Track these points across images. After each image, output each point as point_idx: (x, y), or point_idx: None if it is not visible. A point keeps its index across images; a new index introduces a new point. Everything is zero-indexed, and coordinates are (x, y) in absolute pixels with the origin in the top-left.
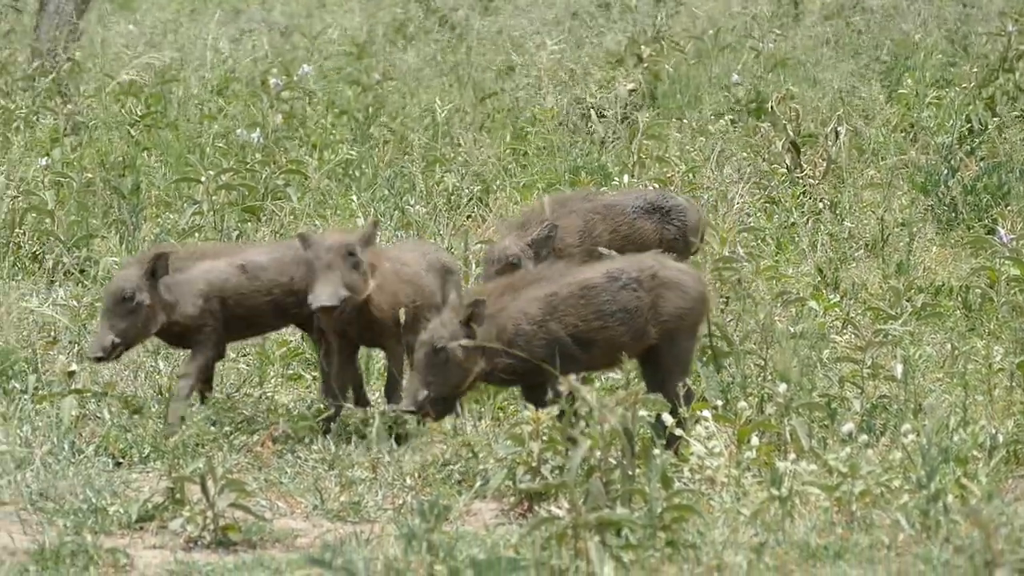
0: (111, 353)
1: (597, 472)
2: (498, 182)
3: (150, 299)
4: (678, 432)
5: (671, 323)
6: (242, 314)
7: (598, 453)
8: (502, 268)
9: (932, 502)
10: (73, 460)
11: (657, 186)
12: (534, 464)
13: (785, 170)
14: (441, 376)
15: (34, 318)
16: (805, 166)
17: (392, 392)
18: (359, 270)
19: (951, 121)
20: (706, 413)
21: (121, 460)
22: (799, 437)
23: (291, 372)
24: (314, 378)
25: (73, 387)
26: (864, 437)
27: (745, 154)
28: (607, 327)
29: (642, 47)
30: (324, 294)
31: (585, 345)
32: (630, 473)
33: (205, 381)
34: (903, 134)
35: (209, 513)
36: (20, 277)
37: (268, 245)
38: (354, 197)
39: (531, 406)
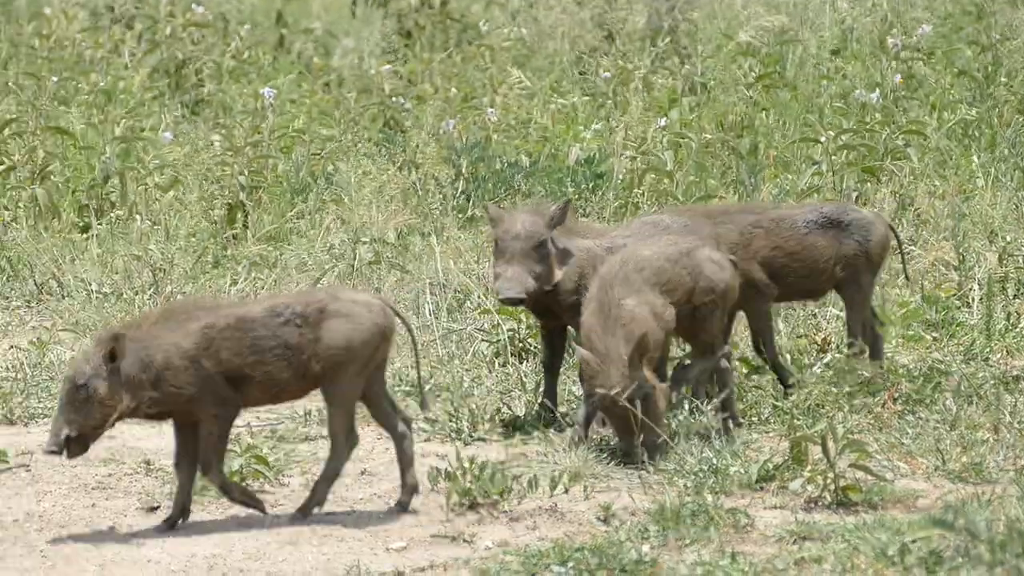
0: None
1: None
2: None
3: None
4: None
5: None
6: None
7: None
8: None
9: None
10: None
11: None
12: None
13: None
14: (82, 414)
15: None
16: None
17: None
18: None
19: None
20: None
21: (741, 421)
22: None
23: (911, 333)
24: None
25: None
26: None
27: None
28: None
29: None
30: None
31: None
32: None
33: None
34: None
35: (830, 474)
36: None
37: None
38: (975, 158)
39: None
